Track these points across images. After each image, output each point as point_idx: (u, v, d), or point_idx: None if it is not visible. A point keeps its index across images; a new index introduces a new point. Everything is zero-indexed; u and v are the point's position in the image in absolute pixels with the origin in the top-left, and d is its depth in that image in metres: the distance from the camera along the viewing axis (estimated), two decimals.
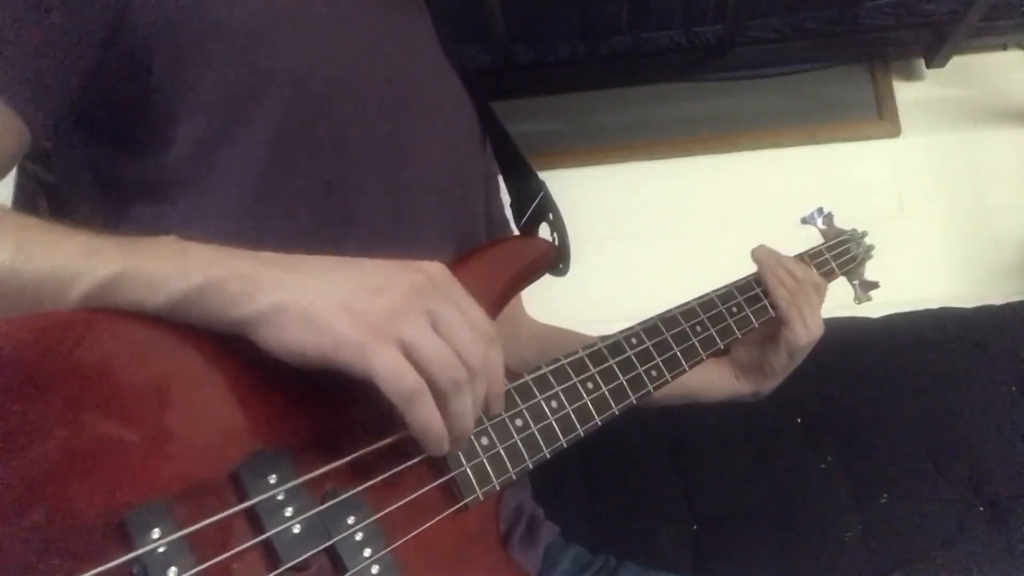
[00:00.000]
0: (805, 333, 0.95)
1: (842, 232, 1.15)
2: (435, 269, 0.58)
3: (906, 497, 1.36)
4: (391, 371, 0.51)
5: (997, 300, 1.70)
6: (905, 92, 2.39)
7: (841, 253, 1.11)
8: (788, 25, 2.25)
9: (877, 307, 1.52)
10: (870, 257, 1.18)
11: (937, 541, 1.29)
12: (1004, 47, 2.39)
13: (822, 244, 1.10)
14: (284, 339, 0.51)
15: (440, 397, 0.53)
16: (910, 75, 2.41)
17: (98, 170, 0.69)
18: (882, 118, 2.37)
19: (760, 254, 0.99)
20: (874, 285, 1.15)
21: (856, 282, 1.15)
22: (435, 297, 0.55)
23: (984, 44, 2.35)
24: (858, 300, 1.15)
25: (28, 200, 2.07)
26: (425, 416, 0.52)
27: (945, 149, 2.30)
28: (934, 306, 1.69)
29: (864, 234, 1.19)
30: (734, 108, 2.44)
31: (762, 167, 2.34)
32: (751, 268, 0.99)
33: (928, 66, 2.35)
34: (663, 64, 2.35)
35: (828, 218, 1.15)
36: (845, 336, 1.56)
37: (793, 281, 0.97)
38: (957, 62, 2.32)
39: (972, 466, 1.39)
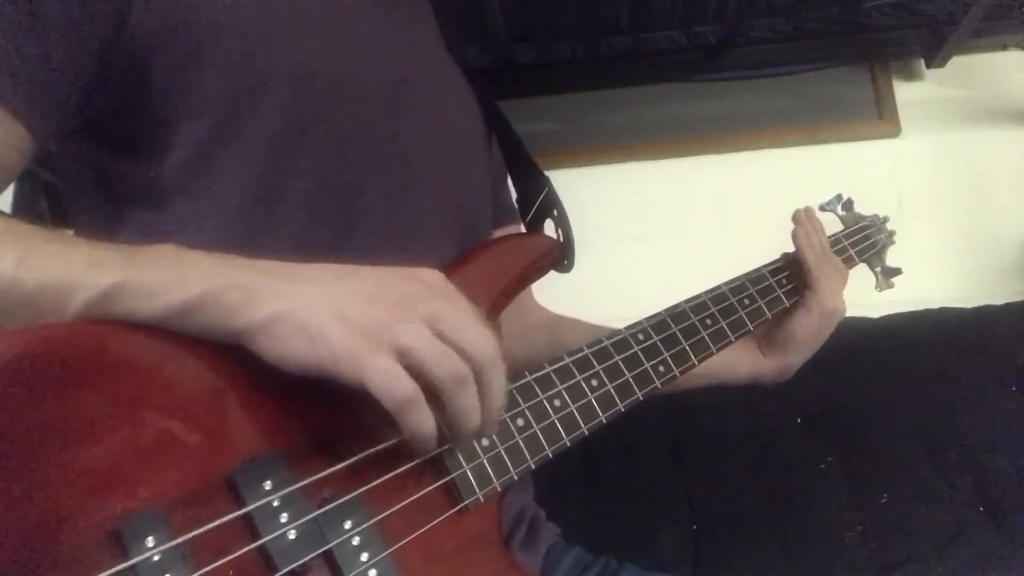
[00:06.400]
0: (833, 297, 0.95)
1: (862, 218, 1.14)
2: (432, 276, 0.58)
3: (906, 497, 1.36)
4: (384, 380, 0.51)
5: (997, 300, 1.69)
6: (905, 92, 2.38)
7: (860, 240, 1.09)
8: (788, 25, 2.25)
9: (877, 307, 1.52)
10: (892, 243, 1.16)
11: (937, 541, 1.29)
12: (1004, 47, 2.38)
13: (840, 231, 1.09)
14: (281, 350, 0.52)
15: (444, 396, 0.54)
16: (910, 75, 2.41)
17: (100, 174, 0.69)
18: (882, 118, 2.36)
19: (799, 215, 0.99)
20: (896, 272, 1.13)
21: (877, 269, 1.13)
22: (433, 300, 0.55)
23: (984, 44, 2.35)
24: (879, 287, 1.13)
25: (28, 200, 2.07)
26: (418, 423, 0.53)
27: (945, 149, 2.29)
28: (934, 306, 1.69)
29: (886, 219, 1.17)
30: (734, 108, 2.43)
31: (762, 167, 2.34)
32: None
33: (928, 66, 2.34)
34: (663, 64, 2.35)
35: (847, 204, 1.14)
36: (845, 336, 1.54)
37: (823, 249, 0.97)
38: (957, 62, 2.31)
39: (972, 466, 1.39)
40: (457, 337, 0.54)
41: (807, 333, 0.97)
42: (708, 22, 2.24)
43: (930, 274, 2.12)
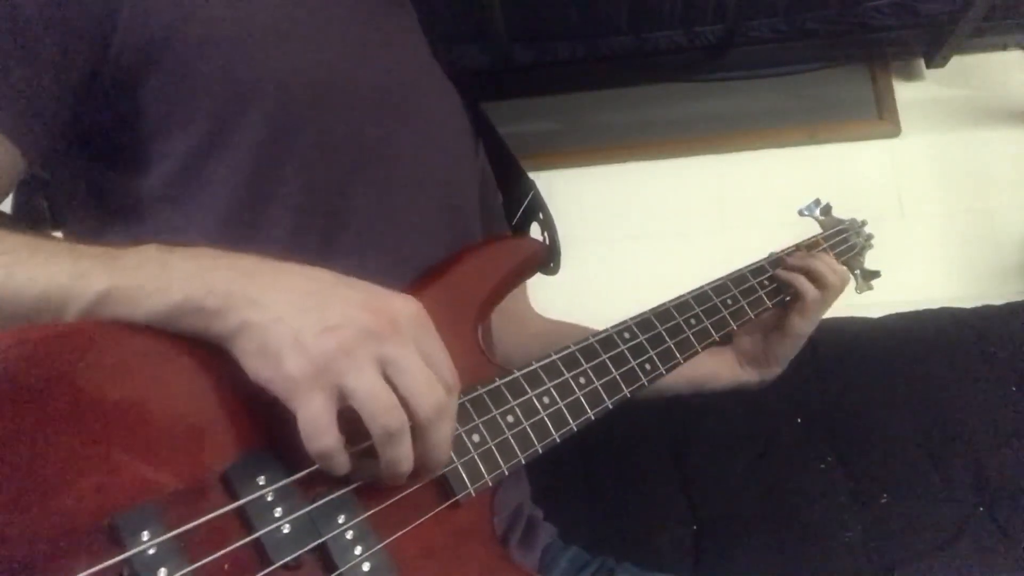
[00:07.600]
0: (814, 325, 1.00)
1: (840, 222, 1.16)
2: (404, 309, 0.56)
3: (906, 497, 1.36)
4: (310, 424, 0.51)
5: (997, 300, 1.69)
6: (905, 92, 2.38)
7: (839, 243, 1.12)
8: (788, 25, 2.25)
9: (877, 307, 1.52)
10: (870, 247, 1.18)
11: (937, 541, 1.29)
12: (1004, 47, 2.38)
13: (819, 235, 1.11)
14: (245, 361, 0.53)
15: (375, 443, 0.53)
16: (910, 75, 2.41)
17: (91, 185, 0.70)
18: (882, 118, 2.36)
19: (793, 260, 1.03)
20: (875, 274, 1.15)
21: (857, 272, 1.15)
22: (392, 341, 0.54)
23: (984, 44, 2.35)
24: (859, 290, 1.15)
25: (27, 200, 2.07)
26: (330, 468, 0.53)
27: (945, 149, 2.29)
28: (934, 306, 1.69)
29: (863, 223, 1.19)
30: (734, 108, 2.43)
31: (762, 167, 2.34)
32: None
33: (928, 66, 2.34)
34: (663, 64, 2.35)
35: (826, 209, 1.16)
36: (845, 336, 1.56)
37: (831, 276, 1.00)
38: (957, 62, 2.32)
39: (972, 466, 1.39)
40: (405, 387, 0.53)
41: (783, 353, 1.02)
42: (708, 22, 2.24)
43: (930, 274, 2.12)
